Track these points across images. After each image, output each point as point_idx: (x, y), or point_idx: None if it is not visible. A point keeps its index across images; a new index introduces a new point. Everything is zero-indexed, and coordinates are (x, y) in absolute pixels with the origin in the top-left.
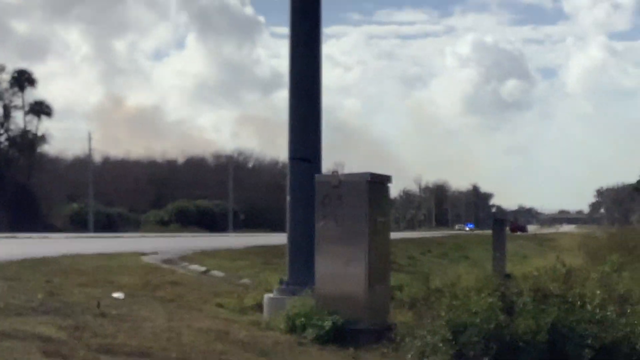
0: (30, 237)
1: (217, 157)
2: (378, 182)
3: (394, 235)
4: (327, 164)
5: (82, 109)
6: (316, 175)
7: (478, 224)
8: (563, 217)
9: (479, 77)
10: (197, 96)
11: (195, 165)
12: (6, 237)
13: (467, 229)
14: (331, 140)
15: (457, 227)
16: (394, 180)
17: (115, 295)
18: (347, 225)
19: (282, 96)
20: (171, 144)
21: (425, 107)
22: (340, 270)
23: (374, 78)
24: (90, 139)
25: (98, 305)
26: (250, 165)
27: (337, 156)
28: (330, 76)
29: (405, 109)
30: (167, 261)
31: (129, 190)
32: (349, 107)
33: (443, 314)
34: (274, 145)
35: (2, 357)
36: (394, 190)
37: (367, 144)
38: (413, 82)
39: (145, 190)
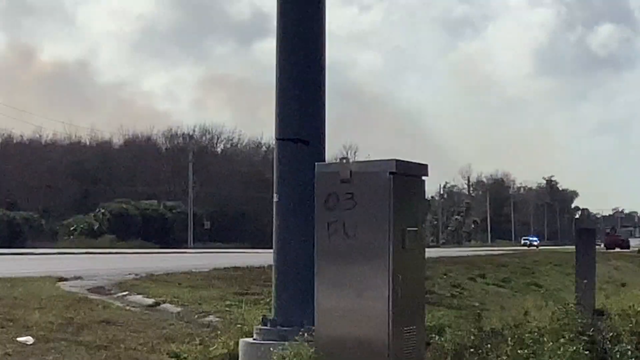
0: None
1: (171, 137)
2: (407, 175)
3: (431, 252)
4: (334, 148)
5: None
6: (317, 164)
7: (557, 236)
8: None
9: (557, 21)
10: (142, 48)
11: (138, 149)
12: None
13: (533, 243)
14: (340, 113)
15: (522, 241)
16: (431, 171)
17: (22, 339)
18: (362, 237)
19: (267, 48)
20: (105, 117)
21: (478, 66)
22: (352, 304)
23: (403, 22)
24: None
25: None
26: (219, 149)
27: (347, 136)
28: (339, 19)
29: (448, 67)
30: (98, 290)
31: (41, 185)
32: (366, 64)
33: None
34: (254, 120)
35: None
36: (431, 186)
37: (392, 118)
38: (460, 29)
39: (65, 186)
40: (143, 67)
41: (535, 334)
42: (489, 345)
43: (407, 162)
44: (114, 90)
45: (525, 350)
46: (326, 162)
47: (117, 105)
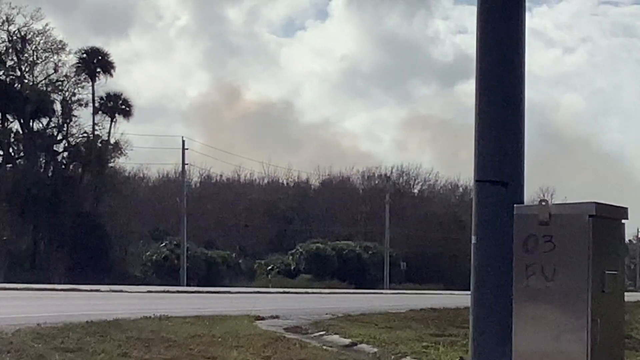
0: (97, 291)
1: (369, 178)
2: (607, 218)
3: (629, 296)
4: (530, 190)
5: (177, 105)
6: (516, 206)
7: None
8: None
9: None
10: (344, 88)
11: (335, 189)
12: (65, 290)
13: None
14: (539, 154)
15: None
16: (630, 214)
17: None
18: (560, 280)
19: (469, 90)
20: (305, 157)
21: None
22: (550, 347)
23: (606, 64)
24: (184, 148)
25: None
26: (416, 190)
27: (545, 178)
28: (540, 60)
29: None
30: (294, 329)
31: (239, 225)
32: (568, 105)
33: None
34: (455, 161)
35: None
36: (630, 229)
37: (592, 161)
38: None
39: (262, 226)
40: (345, 107)
41: None
42: None
43: (607, 204)
44: (315, 130)
45: None
46: (525, 204)
47: (318, 144)
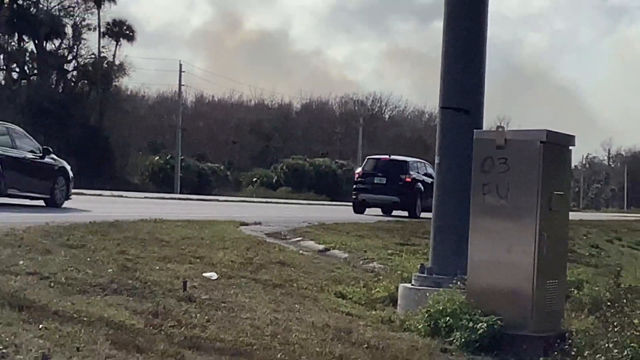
0: (100, 195)
1: (345, 103)
2: (557, 144)
3: (572, 215)
4: (489, 118)
5: (179, 32)
6: (475, 131)
7: None
8: None
9: None
10: (332, 22)
11: (315, 112)
12: (72, 194)
13: None
14: (500, 86)
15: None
16: (577, 142)
17: (207, 275)
18: (513, 198)
19: None
20: (294, 82)
21: (636, 48)
22: (501, 257)
23: (567, 7)
24: (181, 71)
25: (184, 287)
26: (387, 115)
27: (504, 108)
28: (508, 2)
29: (608, 49)
30: (274, 235)
31: (228, 141)
32: (532, 44)
33: (637, 321)
34: (426, 90)
35: (60, 345)
36: (575, 156)
37: (549, 93)
38: (618, 15)
39: (248, 142)
40: (331, 39)
41: None
42: (625, 301)
43: (557, 132)
44: (304, 59)
45: None
46: (483, 129)
47: (306, 72)
